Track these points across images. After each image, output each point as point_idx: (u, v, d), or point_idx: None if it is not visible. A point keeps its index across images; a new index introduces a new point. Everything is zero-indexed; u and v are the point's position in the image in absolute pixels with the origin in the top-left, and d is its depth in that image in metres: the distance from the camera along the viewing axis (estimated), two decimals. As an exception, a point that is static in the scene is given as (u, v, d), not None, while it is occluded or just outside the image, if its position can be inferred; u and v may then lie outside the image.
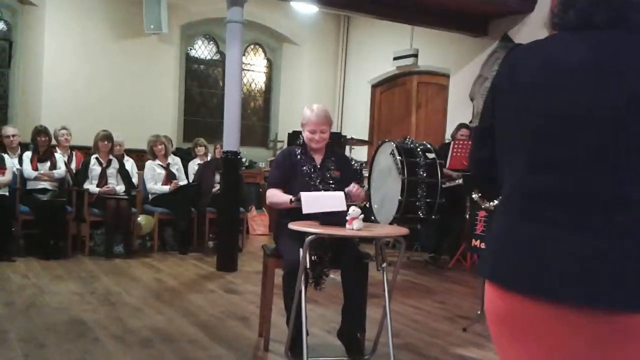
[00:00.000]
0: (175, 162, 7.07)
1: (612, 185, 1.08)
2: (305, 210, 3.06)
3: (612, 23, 1.13)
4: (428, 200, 5.70)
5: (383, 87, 9.41)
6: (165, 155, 6.94)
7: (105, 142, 6.41)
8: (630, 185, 1.07)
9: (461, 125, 6.74)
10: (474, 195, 4.11)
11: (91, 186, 6.31)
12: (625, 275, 1.05)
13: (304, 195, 3.13)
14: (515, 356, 1.20)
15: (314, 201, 3.09)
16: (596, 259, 1.07)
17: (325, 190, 3.35)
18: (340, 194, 3.16)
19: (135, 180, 6.68)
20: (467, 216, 4.36)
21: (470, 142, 6.34)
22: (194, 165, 7.31)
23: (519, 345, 1.18)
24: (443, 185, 5.80)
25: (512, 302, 1.16)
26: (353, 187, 3.35)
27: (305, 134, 3.45)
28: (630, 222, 1.06)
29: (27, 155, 6.23)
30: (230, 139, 5.79)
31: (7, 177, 5.95)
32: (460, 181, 5.89)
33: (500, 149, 1.28)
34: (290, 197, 3.25)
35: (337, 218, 3.00)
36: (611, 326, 1.07)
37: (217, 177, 6.77)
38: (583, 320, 1.09)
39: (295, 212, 3.23)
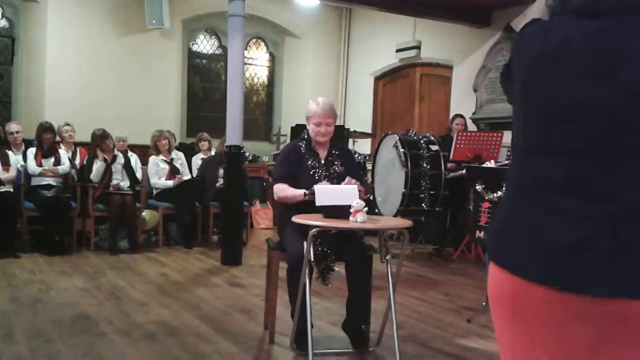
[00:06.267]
0: (178, 157, 7.08)
1: (604, 176, 1.08)
2: (318, 203, 3.05)
3: (617, 11, 1.10)
4: (432, 192, 5.70)
5: (386, 80, 9.39)
6: (169, 150, 6.95)
7: (106, 141, 6.40)
8: (622, 177, 1.07)
9: (456, 115, 6.77)
10: (477, 187, 4.11)
11: (95, 177, 6.29)
12: (611, 264, 1.05)
13: (317, 187, 3.13)
14: (510, 334, 1.21)
15: (328, 194, 3.09)
16: (582, 246, 1.07)
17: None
18: (354, 187, 3.14)
19: (139, 175, 6.69)
20: (471, 208, 4.36)
21: (471, 133, 6.33)
22: (197, 160, 7.32)
23: (519, 326, 1.19)
24: (447, 176, 5.79)
25: (509, 283, 1.18)
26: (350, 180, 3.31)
27: (311, 127, 3.43)
28: (620, 213, 1.06)
29: (31, 151, 6.24)
30: (233, 133, 5.79)
31: (11, 173, 5.96)
32: (464, 171, 5.88)
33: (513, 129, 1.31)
34: (304, 190, 3.25)
35: (341, 211, 3.00)
36: (601, 311, 1.07)
37: (221, 172, 6.77)
38: (572, 305, 1.09)
39: (299, 206, 3.23)
